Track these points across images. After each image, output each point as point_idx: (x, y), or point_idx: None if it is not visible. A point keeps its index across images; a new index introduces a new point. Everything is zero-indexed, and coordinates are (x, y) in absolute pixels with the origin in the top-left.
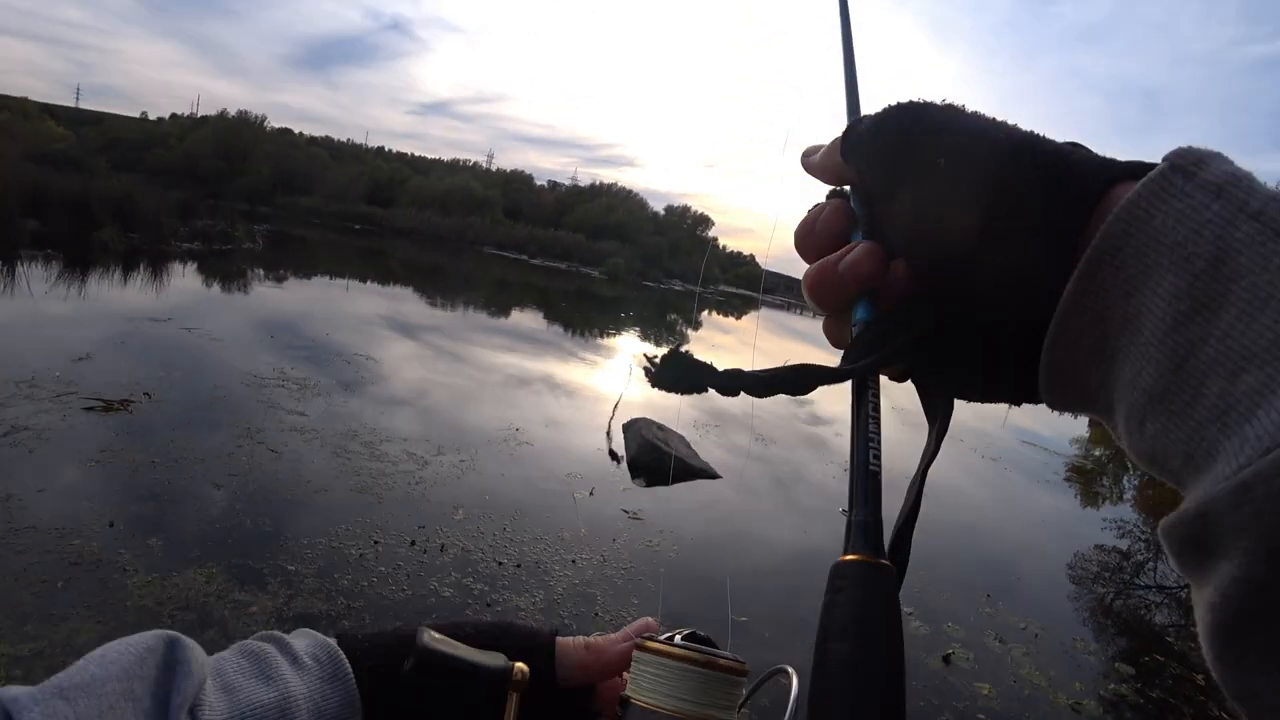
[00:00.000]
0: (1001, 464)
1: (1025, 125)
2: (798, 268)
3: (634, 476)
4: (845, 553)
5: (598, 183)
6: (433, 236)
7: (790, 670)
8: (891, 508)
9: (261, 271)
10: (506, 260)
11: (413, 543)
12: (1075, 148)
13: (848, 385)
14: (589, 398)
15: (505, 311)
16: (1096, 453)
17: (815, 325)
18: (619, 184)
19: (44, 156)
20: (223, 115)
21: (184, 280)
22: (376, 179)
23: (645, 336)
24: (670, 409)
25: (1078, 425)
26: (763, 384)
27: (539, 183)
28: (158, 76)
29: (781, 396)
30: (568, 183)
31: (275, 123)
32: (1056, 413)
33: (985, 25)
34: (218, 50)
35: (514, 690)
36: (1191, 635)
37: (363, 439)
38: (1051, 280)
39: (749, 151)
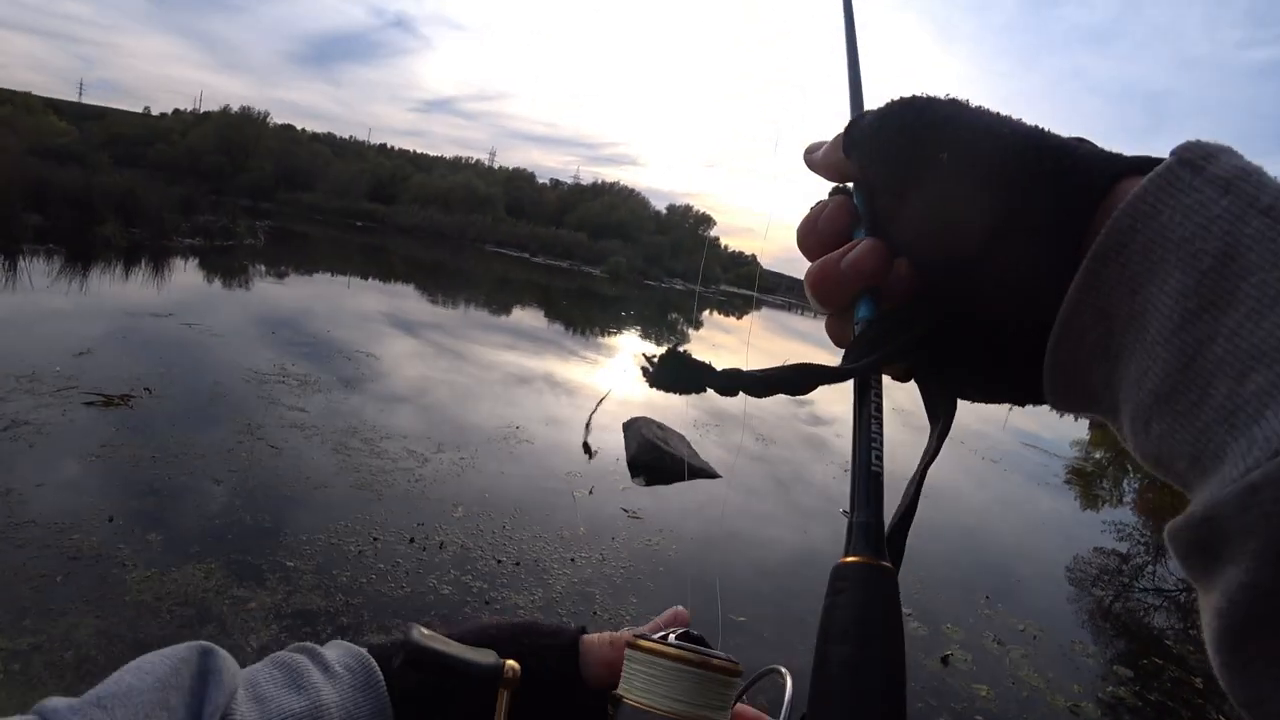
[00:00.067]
0: (1002, 466)
1: None
2: (799, 267)
3: (633, 475)
4: (846, 554)
5: (600, 181)
6: (434, 234)
7: (784, 670)
8: (893, 509)
9: (263, 268)
10: (508, 258)
11: (412, 540)
12: (1081, 142)
13: (849, 386)
14: (589, 396)
15: (506, 309)
16: (1097, 455)
17: (817, 325)
18: (621, 183)
19: (47, 151)
20: (225, 111)
21: (185, 276)
22: (379, 176)
23: (646, 335)
24: (671, 408)
25: (1078, 428)
26: (762, 384)
27: (541, 181)
28: (161, 72)
29: (781, 396)
30: (570, 181)
31: (278, 119)
32: (1060, 414)
33: (989, 26)
34: (221, 46)
35: (505, 688)
36: (1190, 638)
37: (363, 436)
38: (1056, 277)
39: (752, 150)
